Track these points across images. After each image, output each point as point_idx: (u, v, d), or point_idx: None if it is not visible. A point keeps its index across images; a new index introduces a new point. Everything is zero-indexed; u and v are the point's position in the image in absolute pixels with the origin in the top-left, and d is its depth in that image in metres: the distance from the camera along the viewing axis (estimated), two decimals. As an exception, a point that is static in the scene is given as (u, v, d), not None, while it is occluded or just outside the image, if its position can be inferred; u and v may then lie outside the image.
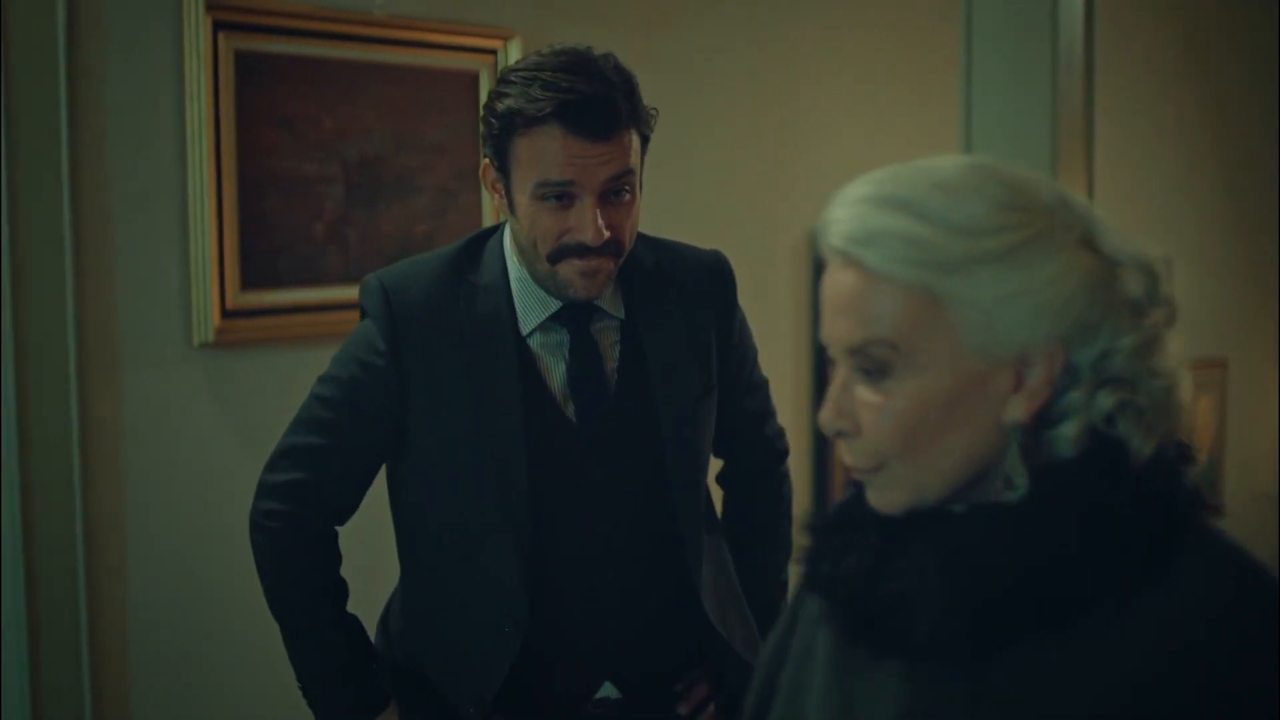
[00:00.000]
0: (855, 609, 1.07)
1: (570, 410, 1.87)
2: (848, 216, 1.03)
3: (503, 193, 1.82)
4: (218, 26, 2.57)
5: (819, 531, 1.13)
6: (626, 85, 1.78)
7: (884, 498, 1.06)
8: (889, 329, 1.01)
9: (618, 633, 1.91)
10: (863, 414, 1.04)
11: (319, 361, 1.85)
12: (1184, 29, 4.72)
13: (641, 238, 1.91)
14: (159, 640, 2.60)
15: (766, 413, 2.12)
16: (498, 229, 1.94)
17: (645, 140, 1.82)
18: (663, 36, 3.27)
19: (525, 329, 1.86)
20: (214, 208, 2.58)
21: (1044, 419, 1.02)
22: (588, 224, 1.75)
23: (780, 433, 2.15)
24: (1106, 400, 1.01)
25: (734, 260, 2.03)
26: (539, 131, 1.74)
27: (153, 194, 2.55)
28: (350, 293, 2.78)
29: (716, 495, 2.12)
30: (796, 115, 3.69)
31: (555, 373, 1.87)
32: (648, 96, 1.82)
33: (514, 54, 2.96)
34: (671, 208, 2.85)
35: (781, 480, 2.15)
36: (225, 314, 2.61)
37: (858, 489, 1.10)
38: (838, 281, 1.04)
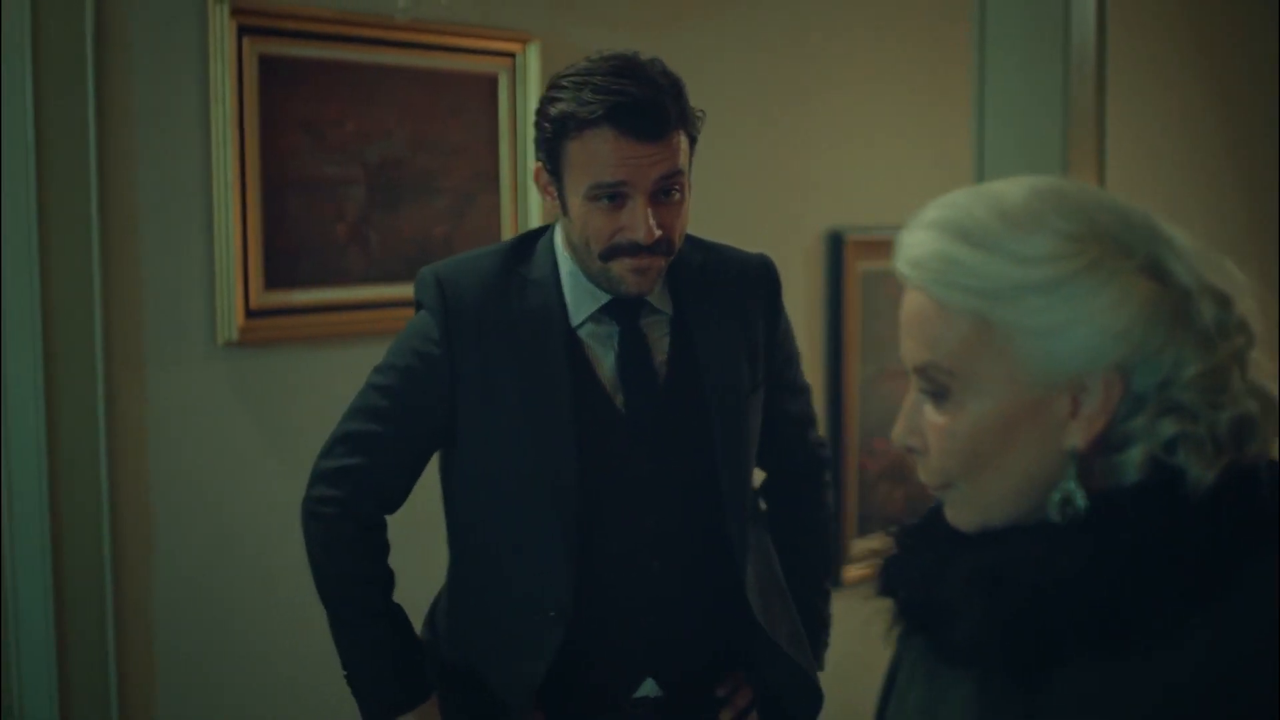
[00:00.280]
0: (911, 610, 1.10)
1: (619, 400, 1.90)
2: (913, 241, 1.06)
3: (555, 195, 1.87)
4: (242, 31, 2.60)
5: (898, 535, 1.16)
6: (674, 88, 1.82)
7: (957, 515, 1.09)
8: (945, 354, 1.04)
9: (661, 626, 1.93)
10: (929, 434, 1.07)
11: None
12: (1192, 30, 4.74)
13: (689, 238, 1.95)
14: (184, 637, 2.62)
15: (809, 419, 2.14)
16: (548, 229, 1.98)
17: (693, 141, 1.86)
18: (678, 39, 3.29)
19: (575, 320, 1.90)
20: (238, 209, 2.61)
21: (1106, 444, 1.03)
22: (640, 223, 1.79)
23: (822, 442, 2.16)
24: (1167, 429, 1.02)
25: (748, 261, 2.06)
26: (591, 134, 1.78)
27: (178, 196, 2.58)
28: (371, 292, 2.82)
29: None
30: (810, 116, 3.70)
31: (605, 363, 1.90)
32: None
33: (532, 57, 3.00)
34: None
35: (825, 488, 2.16)
36: (249, 313, 2.64)
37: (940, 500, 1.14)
38: (909, 302, 1.08)
